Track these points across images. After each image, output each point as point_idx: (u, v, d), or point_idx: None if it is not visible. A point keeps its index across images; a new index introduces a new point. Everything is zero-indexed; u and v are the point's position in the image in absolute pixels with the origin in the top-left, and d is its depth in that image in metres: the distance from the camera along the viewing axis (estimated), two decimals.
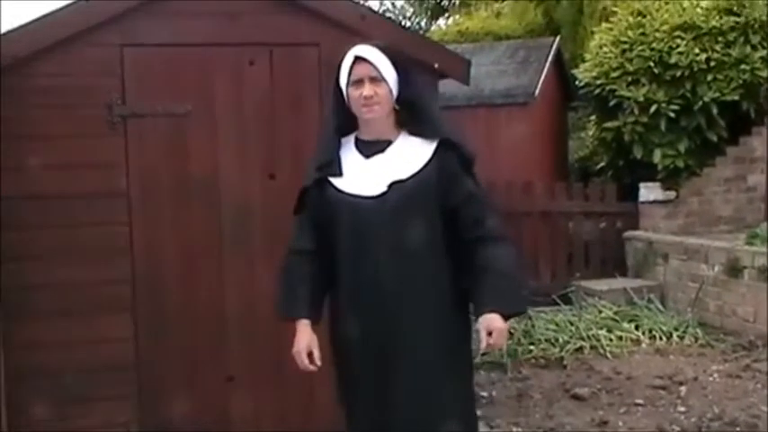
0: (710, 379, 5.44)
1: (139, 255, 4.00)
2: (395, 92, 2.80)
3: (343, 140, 2.87)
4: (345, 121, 2.85)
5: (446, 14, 18.01)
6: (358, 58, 2.77)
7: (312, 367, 2.83)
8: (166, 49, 3.99)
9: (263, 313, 3.95)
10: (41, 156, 3.85)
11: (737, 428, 4.46)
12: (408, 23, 17.96)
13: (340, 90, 2.83)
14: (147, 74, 3.96)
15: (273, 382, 4.07)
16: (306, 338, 2.83)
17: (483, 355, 5.78)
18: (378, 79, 2.76)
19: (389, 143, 2.82)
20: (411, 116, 2.85)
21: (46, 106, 3.86)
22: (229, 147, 4.08)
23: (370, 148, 2.83)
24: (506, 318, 2.71)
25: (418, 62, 3.70)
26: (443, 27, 16.92)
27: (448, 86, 4.75)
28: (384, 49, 2.81)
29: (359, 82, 2.76)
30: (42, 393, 3.87)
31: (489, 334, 2.66)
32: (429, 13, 18.12)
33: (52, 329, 3.87)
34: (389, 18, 4.13)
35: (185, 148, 4.03)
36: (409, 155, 2.80)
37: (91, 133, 3.91)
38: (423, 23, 18.24)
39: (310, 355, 2.83)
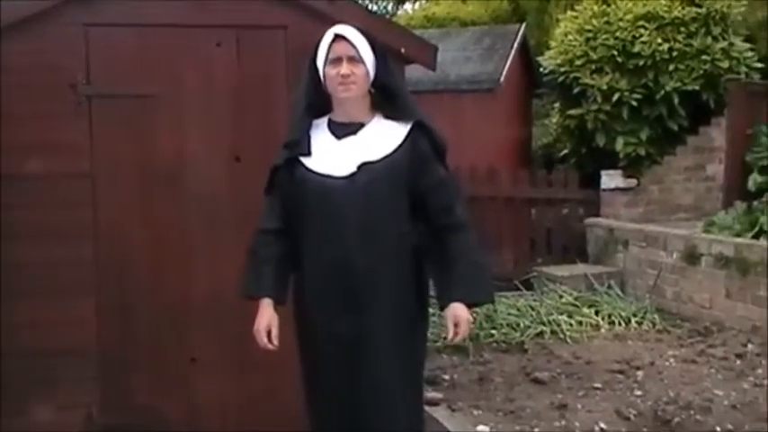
0: (667, 364, 5.55)
1: (104, 237, 3.98)
2: (371, 74, 2.83)
3: (317, 122, 2.89)
4: (318, 102, 2.87)
5: None
6: (338, 37, 2.80)
7: (271, 346, 2.86)
8: (132, 30, 3.96)
9: (229, 295, 3.95)
10: (4, 136, 3.81)
11: (691, 411, 4.55)
12: (375, 8, 17.91)
13: (315, 69, 2.84)
14: (113, 54, 3.94)
15: (239, 365, 4.08)
16: (267, 317, 2.86)
17: (445, 338, 5.84)
18: (356, 59, 2.79)
19: (362, 125, 2.85)
20: (386, 100, 2.88)
21: (8, 85, 3.82)
22: (195, 129, 4.07)
23: (342, 130, 2.85)
24: (472, 306, 2.77)
25: (385, 47, 3.71)
26: (410, 12, 16.92)
27: (414, 71, 4.77)
28: (363, 32, 2.83)
29: (337, 60, 2.78)
30: (3, 374, 3.84)
31: (455, 324, 2.72)
32: None
33: (14, 311, 3.84)
34: (357, 2, 4.14)
35: (151, 130, 4.01)
36: (381, 137, 2.83)
37: (55, 113, 3.87)
38: (389, 8, 18.22)
39: (270, 333, 2.86)
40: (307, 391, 2.98)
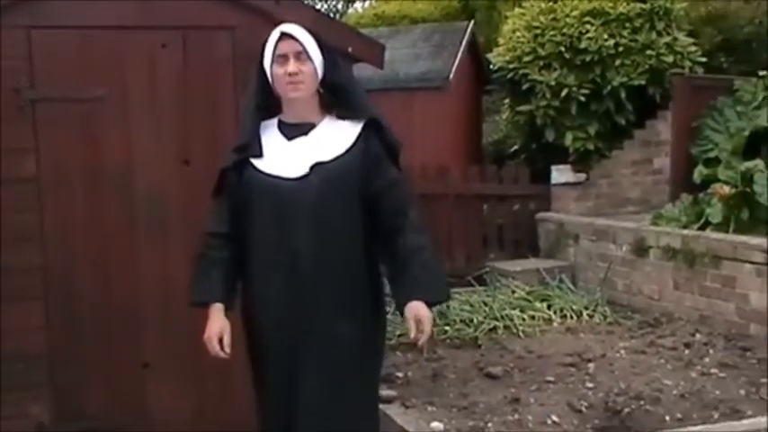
0: (618, 355, 5.63)
1: (51, 242, 3.93)
2: (320, 73, 2.79)
3: (266, 123, 2.85)
4: (267, 104, 2.82)
5: None
6: (284, 35, 2.76)
7: (222, 354, 2.81)
8: (77, 32, 3.91)
9: (178, 300, 3.92)
10: None
11: (642, 402, 4.64)
12: (325, 6, 17.90)
13: (263, 70, 2.80)
14: (57, 57, 3.88)
15: (190, 370, 4.05)
16: (218, 324, 2.81)
17: (399, 336, 5.87)
18: (303, 56, 2.75)
19: (313, 126, 2.81)
20: (337, 100, 2.84)
21: None
22: (143, 132, 4.03)
23: (292, 131, 2.81)
24: (430, 306, 2.75)
25: (333, 46, 3.72)
26: (360, 10, 16.91)
27: (363, 70, 4.78)
28: (310, 31, 2.80)
29: (283, 58, 2.74)
30: None
31: (417, 322, 2.69)
32: None
33: None
34: (303, 2, 4.13)
35: (98, 133, 3.97)
36: (333, 138, 2.79)
37: None
38: (339, 6, 18.21)
39: (222, 340, 2.81)
40: (256, 394, 2.96)
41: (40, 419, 3.94)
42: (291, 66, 2.74)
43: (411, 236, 2.77)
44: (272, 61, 2.77)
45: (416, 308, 2.70)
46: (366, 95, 2.94)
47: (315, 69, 2.78)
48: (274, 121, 2.86)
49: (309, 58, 2.76)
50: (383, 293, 2.94)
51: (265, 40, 2.82)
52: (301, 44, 2.76)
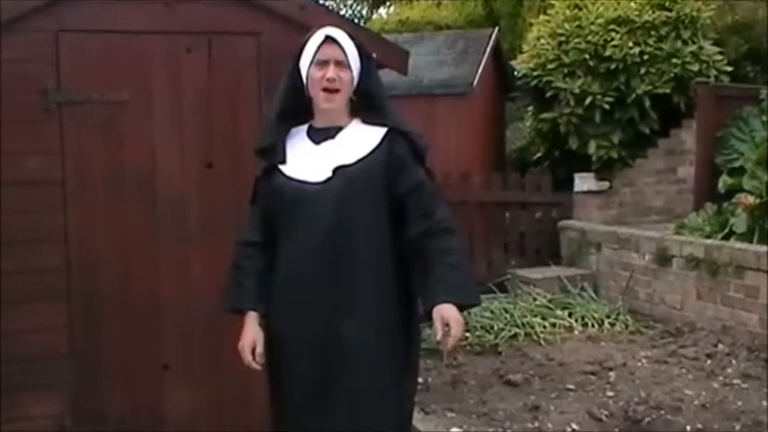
0: (639, 364, 5.61)
1: (74, 243, 3.96)
2: (356, 80, 2.76)
3: (296, 129, 2.82)
4: (296, 107, 2.79)
5: (387, 3, 18.06)
6: (328, 38, 2.72)
7: (255, 364, 2.78)
8: (103, 36, 3.95)
9: (199, 302, 3.97)
10: None
11: (662, 411, 4.61)
12: (349, 12, 17.96)
13: (297, 71, 2.77)
14: (84, 60, 3.92)
15: (209, 372, 4.07)
16: (251, 334, 2.78)
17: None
18: (343, 64, 2.71)
19: (340, 129, 2.78)
20: (366, 106, 2.81)
21: None
22: (166, 135, 4.06)
23: (320, 135, 2.78)
24: (461, 310, 2.62)
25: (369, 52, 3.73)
26: (384, 16, 16.97)
27: (387, 76, 4.78)
28: (352, 36, 2.77)
29: (324, 63, 2.71)
30: None
31: (446, 325, 2.56)
32: (370, 1, 18.15)
33: None
34: (328, 7, 4.19)
35: (122, 136, 4.00)
36: (358, 141, 2.75)
37: (25, 120, 3.85)
38: (364, 12, 18.26)
39: (255, 351, 2.77)
40: (271, 397, 2.90)
41: (60, 419, 3.97)
42: (331, 71, 2.69)
43: (438, 238, 2.67)
44: (311, 63, 2.73)
45: (444, 309, 2.57)
46: (391, 103, 2.88)
47: (352, 78, 2.75)
48: (305, 127, 2.83)
49: (349, 66, 2.73)
50: (415, 301, 2.80)
51: (304, 42, 2.76)
52: (344, 51, 2.72)
